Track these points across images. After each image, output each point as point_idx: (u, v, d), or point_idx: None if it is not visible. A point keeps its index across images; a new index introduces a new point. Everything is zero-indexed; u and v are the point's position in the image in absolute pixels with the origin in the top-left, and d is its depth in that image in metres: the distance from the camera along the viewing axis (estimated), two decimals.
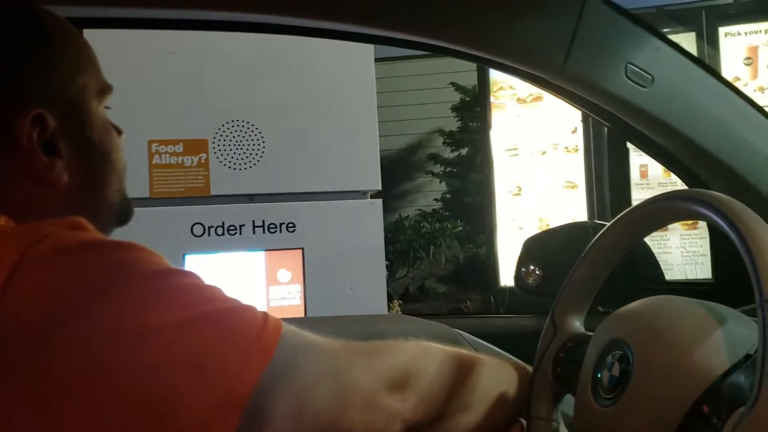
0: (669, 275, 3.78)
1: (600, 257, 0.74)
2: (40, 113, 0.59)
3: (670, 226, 3.83)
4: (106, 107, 0.67)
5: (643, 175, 3.76)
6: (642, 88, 0.92)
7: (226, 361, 0.49)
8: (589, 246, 0.74)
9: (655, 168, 3.59)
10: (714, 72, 0.98)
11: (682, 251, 3.78)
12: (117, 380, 0.47)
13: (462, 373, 0.65)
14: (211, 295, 0.52)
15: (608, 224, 0.74)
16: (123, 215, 0.67)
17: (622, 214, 0.73)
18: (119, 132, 0.67)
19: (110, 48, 2.12)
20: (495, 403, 0.68)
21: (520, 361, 0.77)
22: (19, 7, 0.62)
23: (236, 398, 0.48)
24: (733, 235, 0.55)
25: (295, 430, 0.52)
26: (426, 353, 0.63)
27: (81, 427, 0.46)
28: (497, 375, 0.70)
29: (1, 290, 0.47)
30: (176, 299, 0.50)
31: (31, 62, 0.60)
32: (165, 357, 0.48)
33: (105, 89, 0.65)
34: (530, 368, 0.74)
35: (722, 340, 0.59)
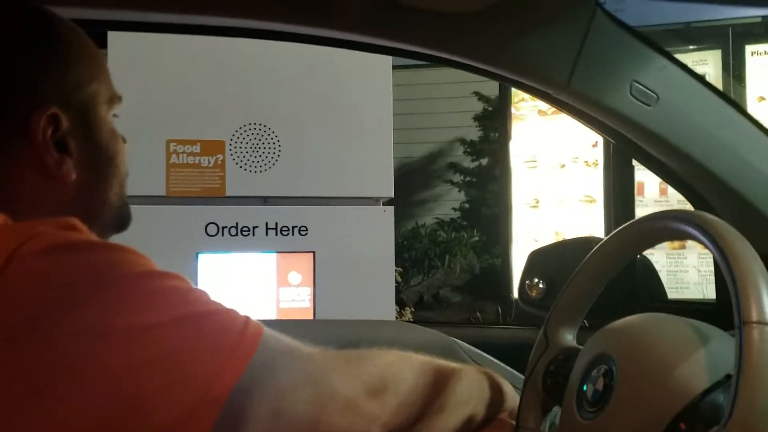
0: (685, 294, 3.74)
1: (594, 272, 0.75)
2: (55, 113, 0.61)
3: (688, 245, 3.79)
4: (114, 115, 0.69)
5: (663, 192, 3.72)
6: (646, 107, 0.92)
7: (205, 362, 0.50)
8: (583, 261, 0.75)
9: None
10: (720, 92, 0.98)
11: (699, 271, 3.74)
12: (94, 378, 0.47)
13: (439, 381, 0.66)
14: (193, 297, 0.53)
15: (603, 240, 0.75)
16: (122, 219, 0.69)
17: (617, 231, 0.73)
18: (124, 140, 0.70)
19: (135, 48, 2.16)
20: (471, 408, 0.69)
21: (503, 370, 0.78)
22: (38, 11, 0.64)
23: (213, 399, 0.49)
24: (717, 256, 0.56)
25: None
26: (403, 361, 0.65)
27: (56, 423, 0.47)
28: (473, 382, 0.71)
29: None
30: (157, 301, 0.51)
31: (49, 64, 0.63)
32: (143, 356, 0.48)
33: (114, 99, 0.68)
34: (510, 377, 0.75)
35: (704, 359, 0.59)
